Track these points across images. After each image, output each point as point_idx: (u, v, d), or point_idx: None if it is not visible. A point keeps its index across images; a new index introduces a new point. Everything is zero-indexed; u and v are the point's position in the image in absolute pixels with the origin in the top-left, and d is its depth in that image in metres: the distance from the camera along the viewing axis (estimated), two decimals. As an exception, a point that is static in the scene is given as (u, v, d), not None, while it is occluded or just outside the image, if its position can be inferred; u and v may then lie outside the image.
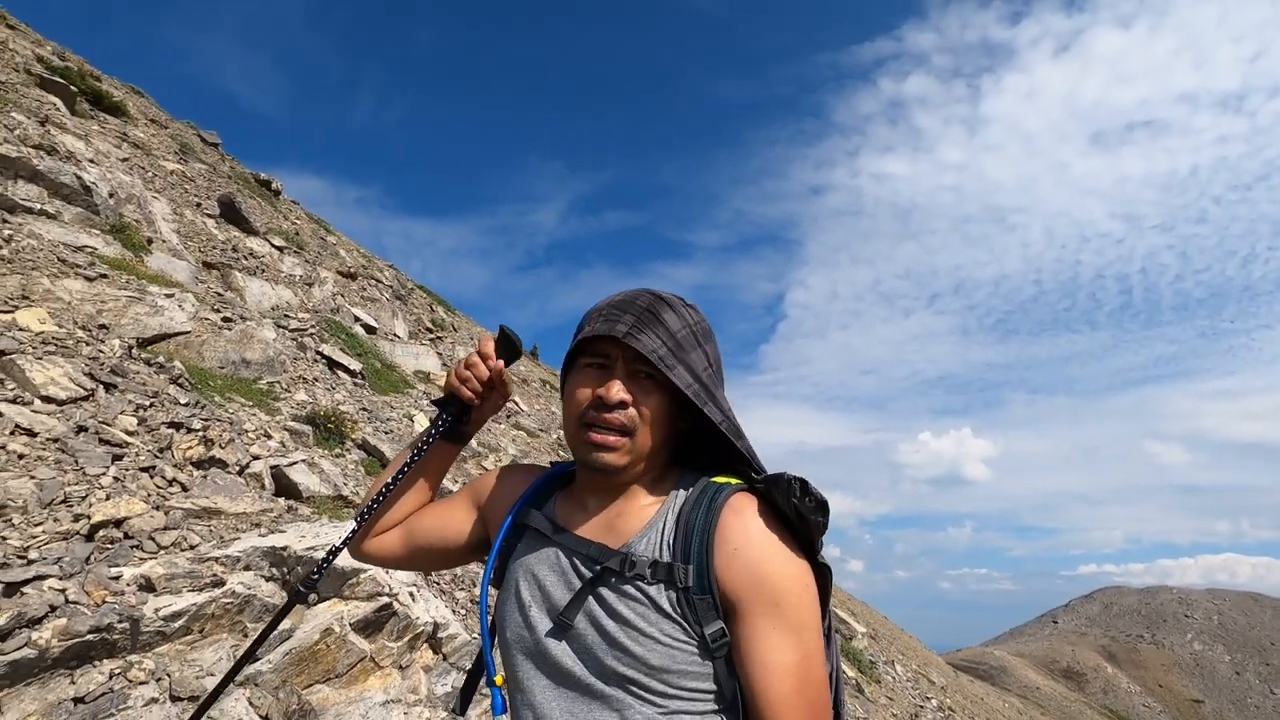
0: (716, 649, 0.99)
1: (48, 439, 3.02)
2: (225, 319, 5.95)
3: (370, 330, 11.34)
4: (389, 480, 1.26)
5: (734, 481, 1.08)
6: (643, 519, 1.08)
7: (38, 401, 3.22)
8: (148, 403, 3.77)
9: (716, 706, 1.00)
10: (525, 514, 1.17)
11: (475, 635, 3.41)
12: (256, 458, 3.92)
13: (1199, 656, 48.07)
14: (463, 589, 3.88)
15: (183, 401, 4.05)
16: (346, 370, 7.77)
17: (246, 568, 2.75)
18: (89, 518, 2.65)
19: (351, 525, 1.30)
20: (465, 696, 1.25)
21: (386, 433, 6.41)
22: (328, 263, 12.95)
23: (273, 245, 10.65)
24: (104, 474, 2.95)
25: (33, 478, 2.74)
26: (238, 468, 3.68)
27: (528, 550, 1.14)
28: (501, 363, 1.21)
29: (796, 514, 1.02)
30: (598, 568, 1.04)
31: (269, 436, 4.44)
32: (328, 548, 2.77)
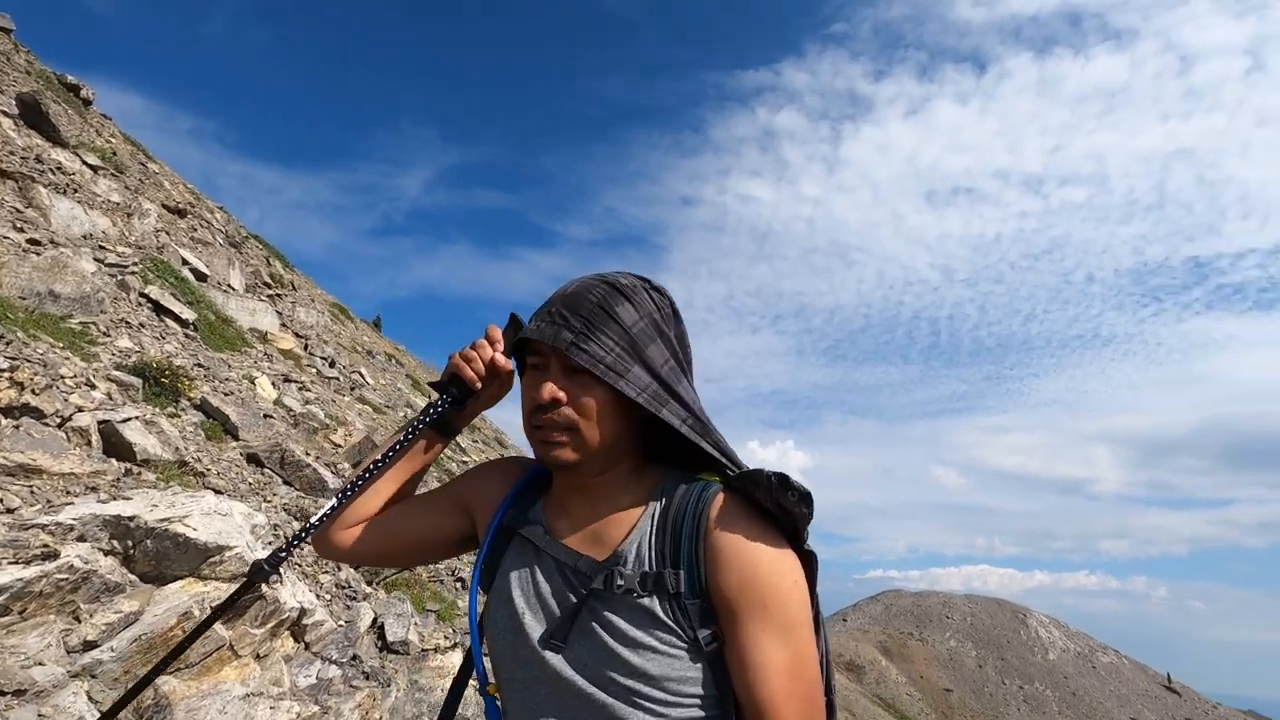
0: (710, 651, 0.99)
1: None
2: (31, 240, 4.96)
3: (200, 277, 10.05)
4: (370, 466, 1.17)
5: (715, 480, 1.07)
6: (626, 525, 1.06)
7: None
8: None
9: (717, 710, 1.00)
10: (512, 517, 1.14)
11: (341, 622, 3.13)
12: (80, 409, 3.32)
13: (953, 652, 55.52)
14: (326, 573, 3.53)
15: (17, 348, 3.34)
16: (177, 319, 6.79)
17: (81, 538, 2.31)
18: None
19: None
20: (450, 706, 1.18)
21: (227, 394, 5.67)
22: (151, 193, 11.30)
23: (85, 163, 9.07)
24: (-117, 413, 2.35)
25: None
26: (58, 419, 3.10)
27: (518, 558, 1.11)
28: (510, 357, 1.16)
29: (779, 508, 1.02)
30: (589, 584, 1.02)
31: (91, 386, 3.78)
32: (198, 521, 2.43)
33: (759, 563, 0.99)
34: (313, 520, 1.14)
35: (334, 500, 1.15)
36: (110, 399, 3.79)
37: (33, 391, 3.12)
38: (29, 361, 3.43)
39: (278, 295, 14.19)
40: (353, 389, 12.56)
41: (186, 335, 6.79)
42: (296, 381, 8.46)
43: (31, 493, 2.43)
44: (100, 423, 3.29)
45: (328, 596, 3.27)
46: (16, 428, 2.79)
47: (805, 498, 1.00)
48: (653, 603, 0.99)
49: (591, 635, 1.00)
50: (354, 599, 3.43)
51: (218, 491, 3.52)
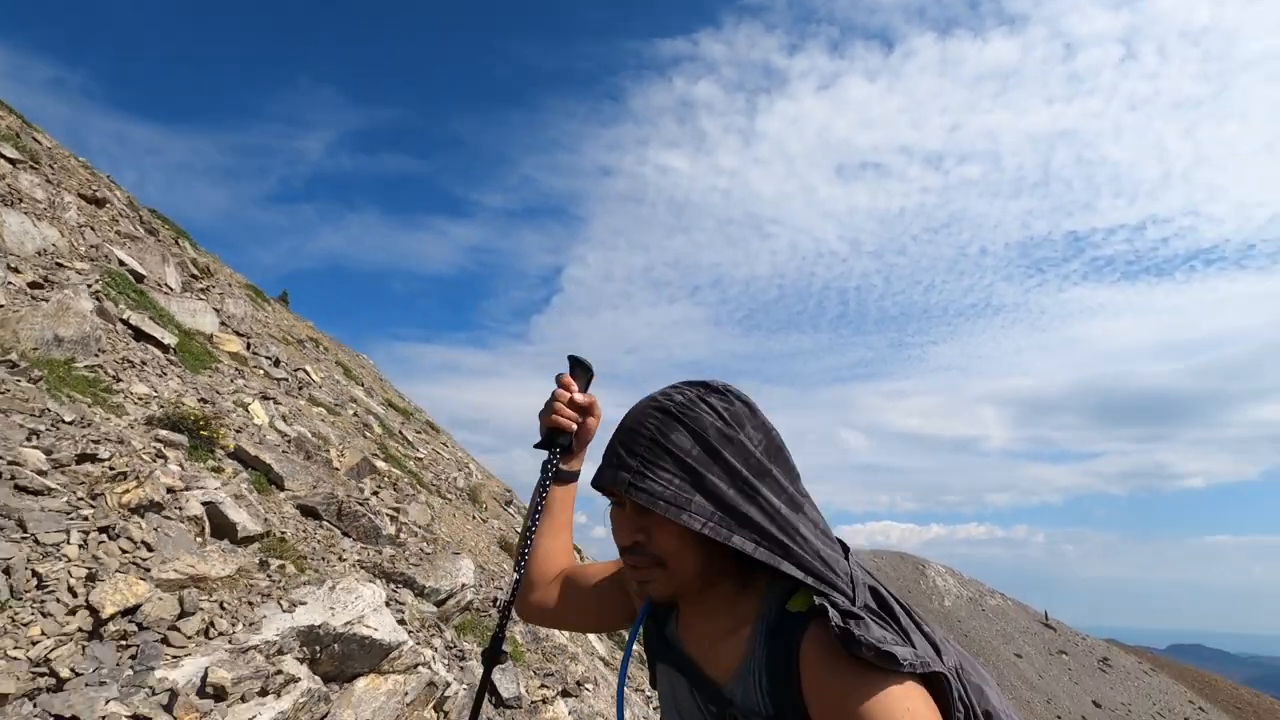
0: None
1: (-37, 494, 2.32)
2: (33, 283, 4.64)
3: (138, 278, 9.44)
4: (526, 531, 1.29)
5: (804, 608, 1.03)
6: (736, 652, 1.05)
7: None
8: (30, 421, 2.97)
9: None
10: (653, 614, 1.19)
11: (464, 685, 3.34)
12: (174, 491, 3.30)
13: (860, 604, 59.47)
14: (435, 635, 3.68)
15: (63, 416, 3.24)
16: (157, 344, 6.46)
17: (281, 651, 2.43)
18: (93, 609, 2.15)
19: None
20: None
21: (238, 430, 5.52)
22: (66, 181, 10.41)
23: (4, 156, 8.27)
24: (64, 542, 2.36)
25: (-12, 556, 2.11)
26: (177, 510, 3.10)
27: (667, 660, 1.15)
28: (590, 394, 1.28)
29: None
30: (714, 711, 1.05)
31: (162, 457, 3.71)
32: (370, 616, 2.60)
33: (852, 705, 0.97)
34: (505, 600, 1.31)
35: (515, 575, 1.28)
36: (182, 468, 3.73)
37: (139, 479, 3.10)
38: (111, 441, 3.36)
39: (207, 288, 13.44)
40: (300, 388, 12.18)
41: (169, 360, 6.48)
42: (271, 397, 8.19)
43: (221, 607, 2.51)
44: (204, 504, 3.30)
45: (446, 660, 3.46)
46: (156, 530, 2.80)
47: (881, 654, 0.98)
48: None
49: None
50: (462, 658, 3.63)
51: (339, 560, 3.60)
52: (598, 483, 1.07)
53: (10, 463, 2.59)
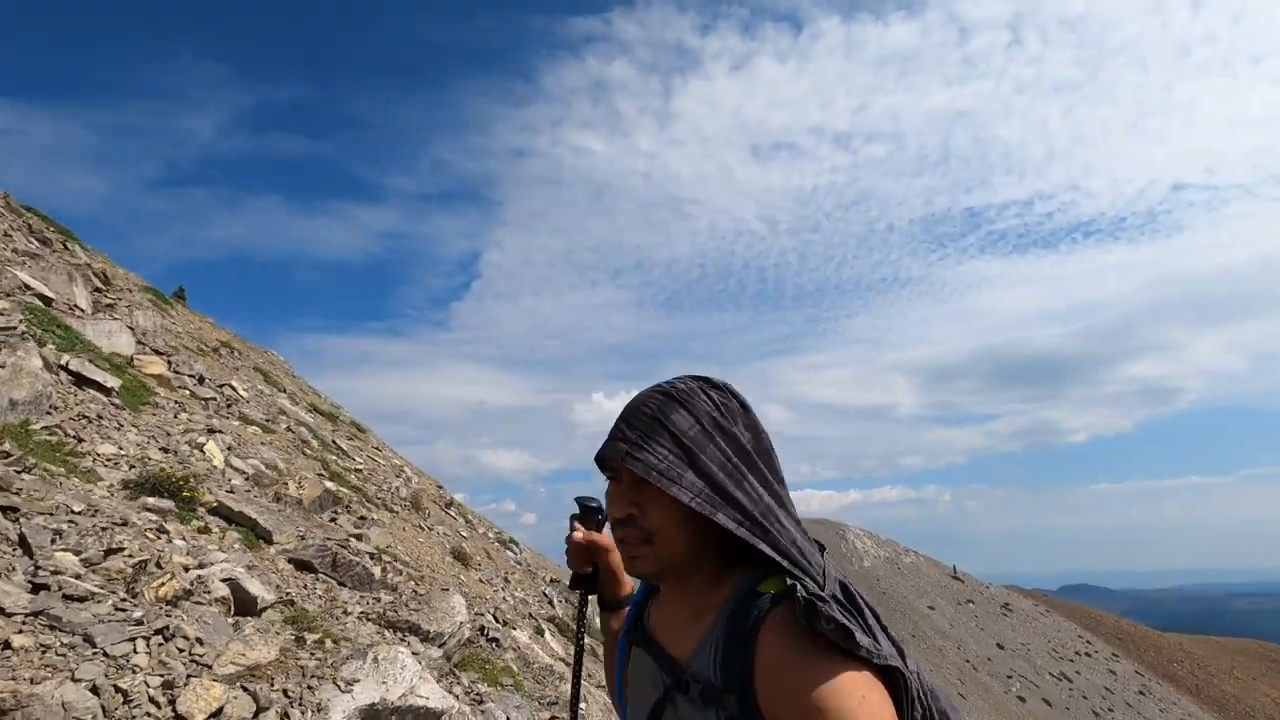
0: None
1: (28, 613, 2.39)
2: None
3: (46, 301, 8.91)
4: (574, 677, 1.33)
5: (773, 590, 1.11)
6: (699, 631, 1.12)
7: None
8: (49, 521, 3.00)
9: None
10: (631, 624, 1.24)
11: (489, 729, 3.60)
12: (189, 568, 3.37)
13: (786, 570, 62.16)
14: (457, 681, 3.89)
15: (71, 506, 3.25)
16: (99, 388, 6.20)
17: (347, 731, 2.64)
18: (184, 718, 2.30)
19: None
20: None
21: (202, 476, 5.44)
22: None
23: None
24: (132, 652, 2.48)
25: (74, 678, 2.23)
26: (205, 593, 3.19)
27: (636, 662, 1.21)
28: (593, 530, 1.29)
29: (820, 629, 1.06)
30: (666, 683, 1.12)
31: (164, 531, 3.73)
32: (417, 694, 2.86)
33: (805, 685, 1.03)
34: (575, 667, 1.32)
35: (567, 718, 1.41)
36: (186, 542, 3.78)
37: (158, 565, 3.18)
38: (121, 525, 3.39)
39: (114, 303, 12.69)
40: (229, 406, 11.79)
41: (114, 405, 6.25)
42: (216, 430, 7.97)
43: (286, 695, 2.68)
44: (224, 579, 3.39)
45: (468, 707, 3.70)
46: (198, 621, 2.92)
47: (840, 629, 1.03)
48: (713, 715, 1.08)
49: None
50: (481, 701, 3.88)
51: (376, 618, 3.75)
52: (599, 455, 1.13)
53: (54, 572, 2.65)
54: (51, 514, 3.06)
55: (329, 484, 8.94)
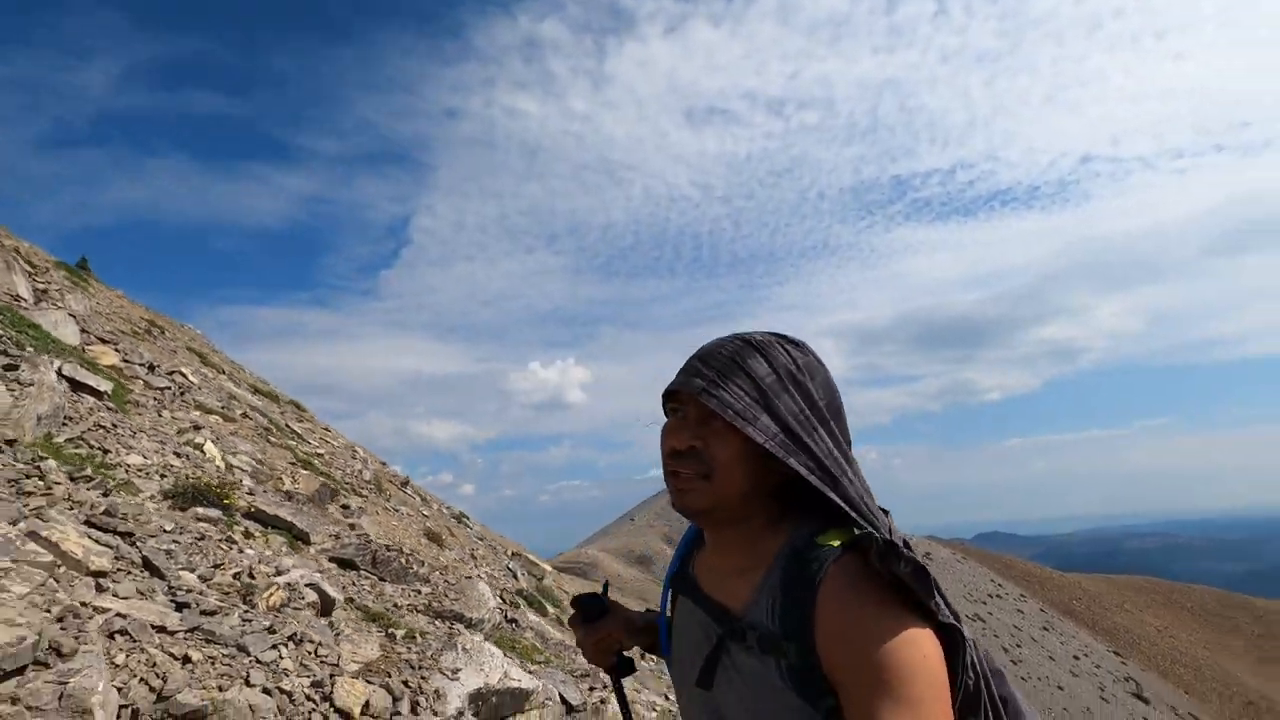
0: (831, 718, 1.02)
1: (185, 629, 2.71)
2: (7, 366, 4.44)
3: (-9, 296, 8.60)
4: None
5: (836, 542, 1.08)
6: (752, 583, 1.09)
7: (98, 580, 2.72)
8: (160, 542, 3.27)
9: None
10: (675, 572, 1.23)
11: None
12: (278, 575, 3.68)
13: (722, 530, 64.54)
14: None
15: (164, 526, 3.51)
16: (93, 393, 6.18)
17: (461, 714, 3.09)
18: (344, 713, 2.69)
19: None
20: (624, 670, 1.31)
21: (231, 484, 5.58)
22: None
23: None
24: (279, 659, 2.84)
25: (248, 684, 2.58)
26: (300, 598, 3.53)
27: (684, 593, 1.19)
28: (593, 626, 1.29)
29: (894, 576, 1.05)
30: (719, 632, 1.09)
31: (231, 541, 4.00)
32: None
33: (872, 640, 1.00)
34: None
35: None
36: (245, 546, 4.06)
37: (250, 575, 3.49)
38: (219, 540, 3.65)
39: (45, 288, 12.12)
40: (182, 393, 11.56)
41: (108, 409, 6.24)
42: (202, 426, 7.94)
43: (406, 684, 3.08)
44: (308, 585, 3.72)
45: (538, 684, 4.15)
46: (310, 625, 3.27)
47: (918, 571, 1.00)
48: (770, 664, 1.04)
49: (732, 681, 1.07)
50: (537, 679, 4.35)
51: (463, 625, 4.15)
52: (670, 389, 1.10)
53: (186, 590, 2.96)
54: (155, 536, 3.32)
55: (321, 476, 9.06)
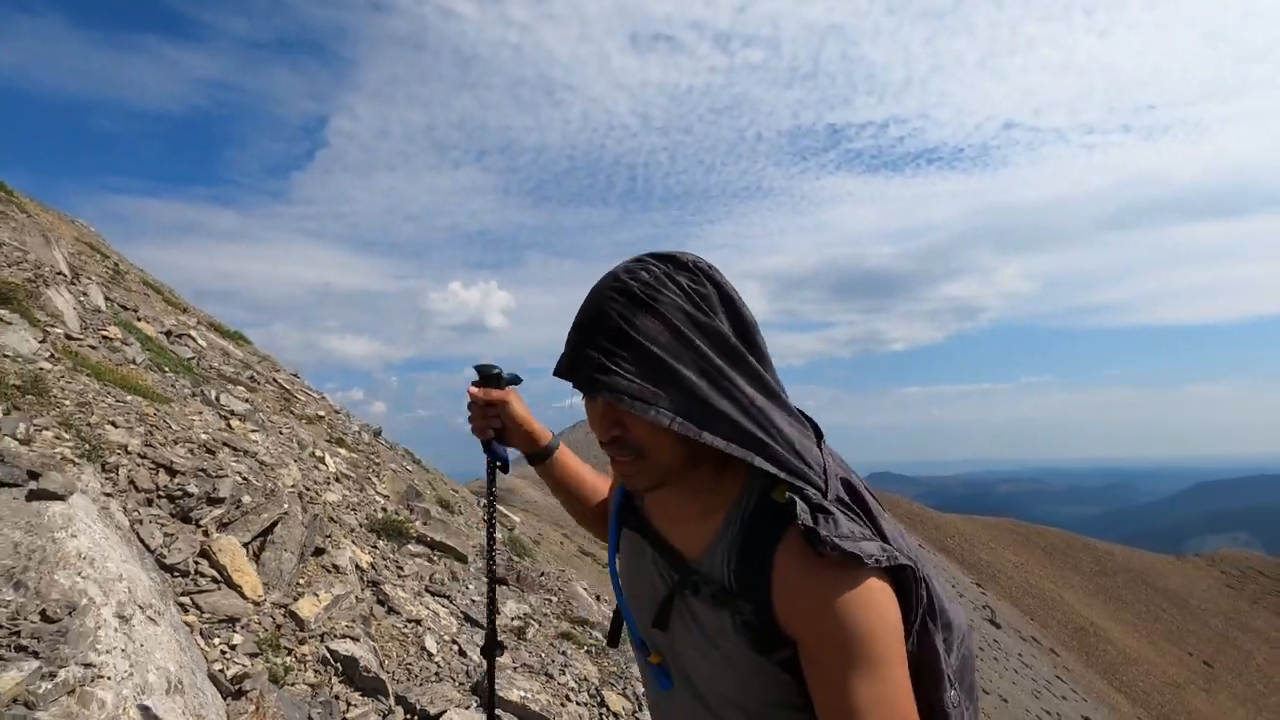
0: (784, 671, 1.03)
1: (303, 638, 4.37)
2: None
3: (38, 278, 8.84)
4: (491, 535, 1.55)
5: (783, 500, 1.03)
6: (709, 531, 1.09)
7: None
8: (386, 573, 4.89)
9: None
10: (623, 508, 1.25)
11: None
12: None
13: (635, 461, 67.93)
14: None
15: (401, 564, 5.10)
16: (229, 413, 7.20)
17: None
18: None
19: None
20: (615, 631, 1.35)
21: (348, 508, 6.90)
22: None
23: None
24: (562, 676, 4.60)
25: (575, 703, 4.35)
26: (534, 623, 5.25)
27: (632, 527, 1.21)
28: (487, 388, 1.40)
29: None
30: (675, 578, 1.11)
31: (455, 573, 5.60)
32: None
33: (826, 599, 0.97)
34: (488, 591, 1.55)
35: (488, 579, 1.60)
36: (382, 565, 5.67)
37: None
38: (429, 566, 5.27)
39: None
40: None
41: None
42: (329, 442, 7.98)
43: (626, 697, 4.91)
44: (523, 611, 5.42)
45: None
46: (548, 645, 5.02)
47: (845, 556, 0.96)
48: (723, 618, 1.05)
49: (687, 625, 1.10)
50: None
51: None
52: (558, 374, 1.06)
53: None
54: (393, 571, 4.91)
55: (407, 477, 8.95)
